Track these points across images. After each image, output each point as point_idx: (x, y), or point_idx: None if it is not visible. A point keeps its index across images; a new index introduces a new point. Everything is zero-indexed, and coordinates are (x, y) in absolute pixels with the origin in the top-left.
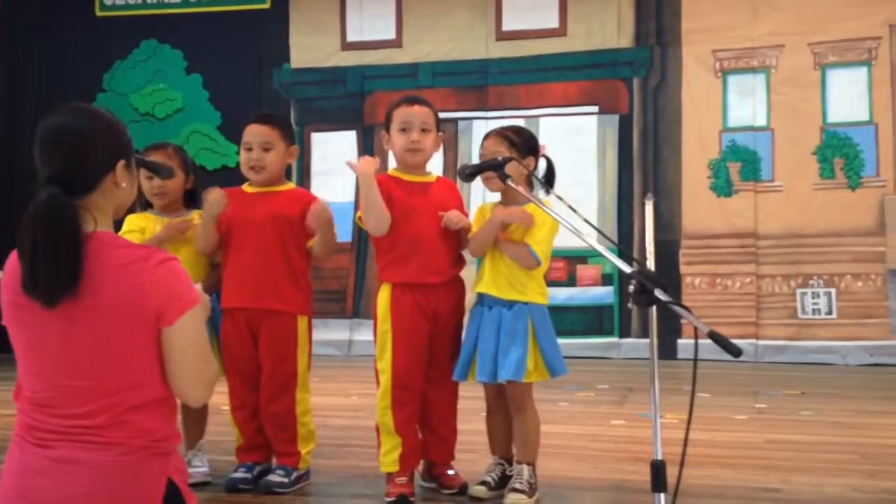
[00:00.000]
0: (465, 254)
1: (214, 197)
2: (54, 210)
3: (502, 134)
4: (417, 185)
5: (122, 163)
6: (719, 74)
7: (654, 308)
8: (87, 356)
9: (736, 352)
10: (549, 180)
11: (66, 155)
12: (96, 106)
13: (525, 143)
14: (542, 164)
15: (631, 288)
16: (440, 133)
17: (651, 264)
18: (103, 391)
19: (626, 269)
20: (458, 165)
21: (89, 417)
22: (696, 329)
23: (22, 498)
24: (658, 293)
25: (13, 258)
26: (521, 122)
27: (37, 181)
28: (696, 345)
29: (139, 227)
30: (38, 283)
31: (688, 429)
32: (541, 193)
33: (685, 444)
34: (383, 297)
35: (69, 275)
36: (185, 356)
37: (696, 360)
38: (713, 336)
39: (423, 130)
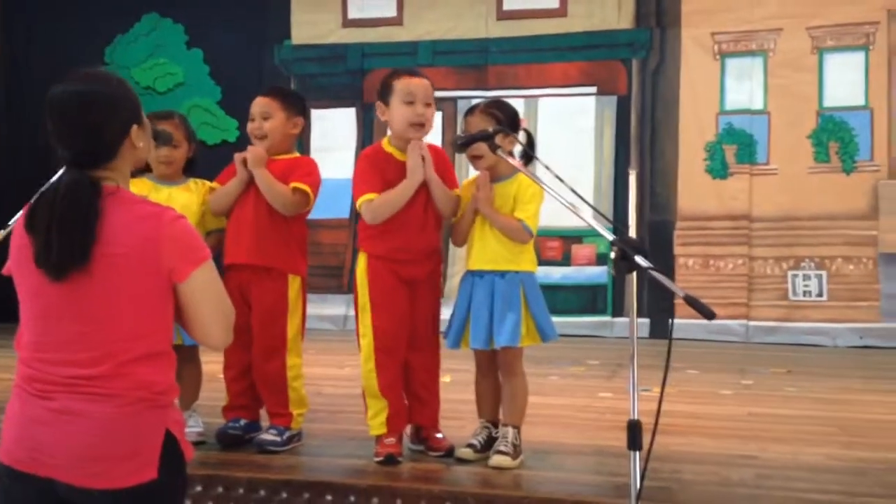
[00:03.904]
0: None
1: (260, 153)
2: (77, 195)
3: (487, 111)
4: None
5: (135, 127)
6: (718, 57)
7: (635, 275)
8: (95, 302)
9: (709, 314)
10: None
11: (83, 133)
12: (99, 70)
13: (509, 119)
14: (522, 136)
15: (612, 254)
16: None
17: (633, 233)
18: (107, 339)
19: (609, 236)
20: (452, 136)
21: (90, 366)
22: (672, 292)
23: (24, 448)
24: (639, 259)
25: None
26: (520, 102)
27: (58, 159)
28: (673, 307)
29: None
30: (50, 259)
31: (664, 382)
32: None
33: (662, 391)
34: (361, 265)
35: (81, 254)
36: (201, 307)
37: (671, 322)
38: (688, 299)
39: (427, 104)
